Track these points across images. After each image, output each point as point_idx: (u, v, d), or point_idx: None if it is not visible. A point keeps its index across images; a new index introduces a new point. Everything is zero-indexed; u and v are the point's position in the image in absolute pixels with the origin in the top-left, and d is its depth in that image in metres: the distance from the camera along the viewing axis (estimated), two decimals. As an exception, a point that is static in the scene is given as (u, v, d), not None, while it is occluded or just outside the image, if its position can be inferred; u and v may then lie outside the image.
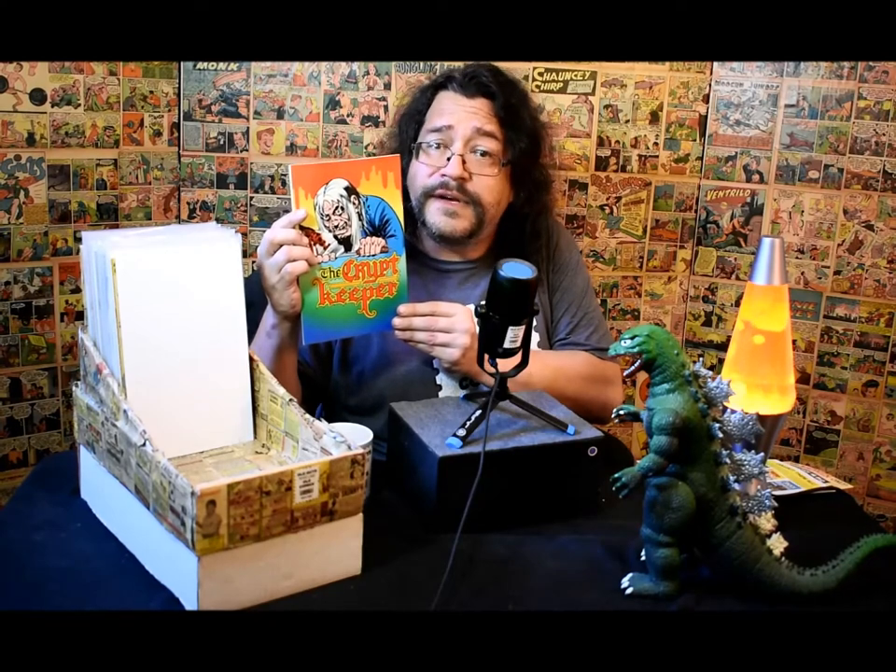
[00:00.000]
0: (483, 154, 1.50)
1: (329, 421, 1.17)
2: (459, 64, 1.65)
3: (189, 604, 0.99)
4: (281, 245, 1.29)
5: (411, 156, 1.54)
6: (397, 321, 1.38)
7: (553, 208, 1.74)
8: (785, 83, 1.95)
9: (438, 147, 1.50)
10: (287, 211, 1.93)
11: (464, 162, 1.47)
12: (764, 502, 1.07)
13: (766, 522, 1.10)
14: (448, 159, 1.48)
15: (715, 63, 1.99)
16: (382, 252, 1.37)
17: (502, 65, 1.59)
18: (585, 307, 1.61)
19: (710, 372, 1.07)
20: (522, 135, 1.54)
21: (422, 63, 1.89)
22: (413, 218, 1.55)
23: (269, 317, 1.38)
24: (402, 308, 1.38)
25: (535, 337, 1.53)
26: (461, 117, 1.50)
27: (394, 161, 1.36)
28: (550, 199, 1.66)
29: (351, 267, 1.35)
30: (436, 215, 1.49)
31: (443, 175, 1.48)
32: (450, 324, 1.38)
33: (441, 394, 1.49)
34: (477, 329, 1.38)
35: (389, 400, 1.40)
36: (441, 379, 1.49)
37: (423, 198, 1.50)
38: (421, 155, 1.51)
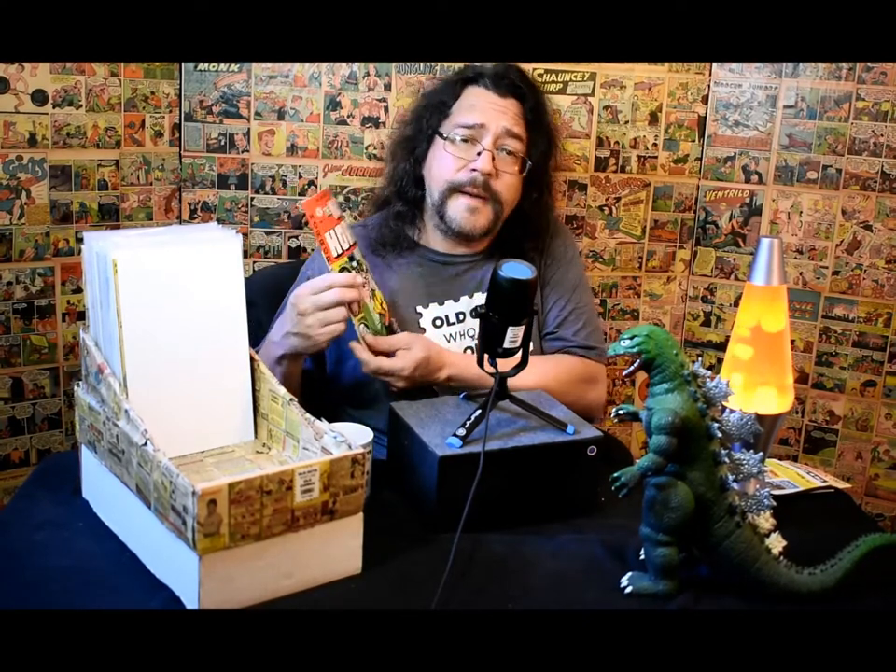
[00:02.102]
0: (509, 153, 1.52)
1: (330, 418, 1.18)
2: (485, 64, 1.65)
3: (191, 603, 0.99)
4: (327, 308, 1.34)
5: (429, 144, 1.55)
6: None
7: (554, 208, 1.75)
8: (784, 84, 1.95)
9: (465, 141, 1.51)
10: (287, 212, 1.95)
11: (493, 159, 1.49)
12: (763, 501, 1.07)
13: (765, 521, 1.10)
14: (479, 154, 1.49)
15: (714, 65, 1.99)
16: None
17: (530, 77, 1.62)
18: (575, 301, 1.61)
19: (709, 372, 1.08)
20: (543, 139, 1.57)
21: (422, 65, 1.90)
22: (420, 206, 1.56)
23: (279, 349, 1.40)
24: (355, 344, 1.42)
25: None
26: (493, 115, 1.51)
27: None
28: (552, 199, 1.68)
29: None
30: (458, 210, 1.50)
31: (473, 171, 1.49)
32: (391, 366, 1.40)
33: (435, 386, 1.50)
34: (428, 355, 1.42)
35: (385, 393, 1.40)
36: None
37: (448, 192, 1.51)
38: (448, 146, 1.52)
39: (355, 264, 1.40)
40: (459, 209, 1.50)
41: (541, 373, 1.49)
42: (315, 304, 1.34)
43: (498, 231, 1.59)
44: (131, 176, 1.89)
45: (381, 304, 1.44)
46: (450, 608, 1.02)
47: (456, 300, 1.56)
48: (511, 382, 1.29)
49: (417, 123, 1.58)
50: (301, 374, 1.47)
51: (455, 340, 1.54)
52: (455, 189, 1.50)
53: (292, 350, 1.39)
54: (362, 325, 1.40)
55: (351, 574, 1.08)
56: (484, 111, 1.52)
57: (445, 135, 1.52)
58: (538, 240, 1.60)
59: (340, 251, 1.38)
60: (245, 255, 1.92)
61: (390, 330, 1.45)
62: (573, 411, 1.36)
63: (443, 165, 1.52)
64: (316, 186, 1.94)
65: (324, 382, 1.57)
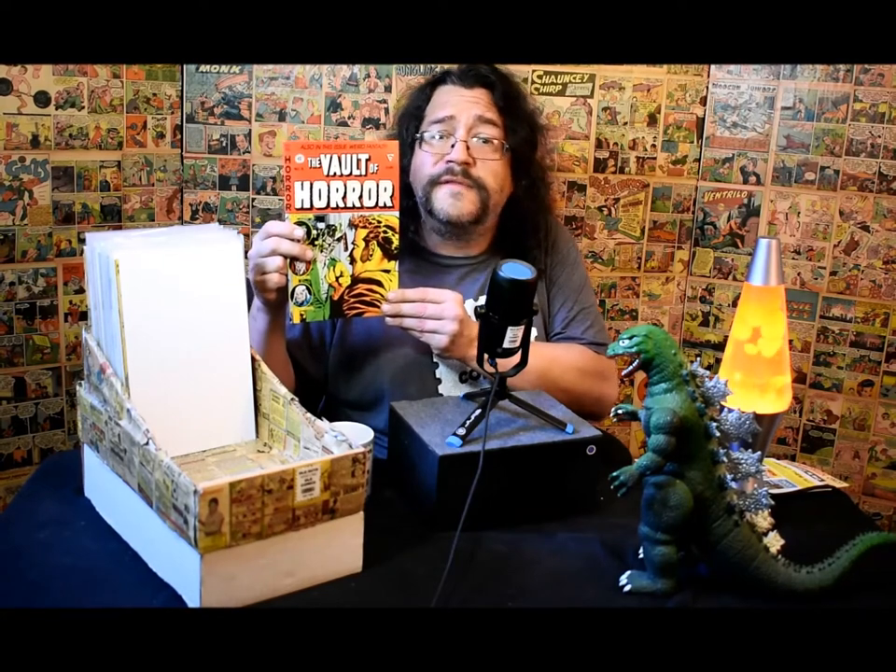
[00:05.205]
0: (486, 141, 1.52)
1: (331, 419, 1.19)
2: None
3: (192, 601, 0.99)
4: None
5: (412, 153, 1.56)
6: (386, 307, 1.38)
7: (553, 207, 1.76)
8: (781, 86, 1.96)
9: (441, 138, 1.52)
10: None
11: (468, 148, 1.49)
12: (761, 500, 1.08)
13: (763, 520, 1.11)
14: (452, 146, 1.50)
15: (712, 66, 2.00)
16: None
17: (501, 68, 1.61)
18: (582, 302, 1.62)
19: (708, 372, 1.08)
20: (521, 123, 1.56)
21: (422, 66, 1.91)
22: (415, 214, 1.56)
23: (255, 300, 1.39)
24: (392, 294, 1.39)
25: (532, 331, 1.54)
26: (462, 106, 1.52)
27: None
28: (549, 196, 1.68)
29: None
30: (443, 199, 1.50)
31: (448, 162, 1.49)
32: (439, 311, 1.39)
33: (440, 388, 1.50)
34: (467, 314, 1.39)
35: (389, 395, 1.39)
36: (440, 373, 1.51)
37: (429, 186, 1.52)
38: (424, 146, 1.53)
39: (322, 226, 1.33)
40: (443, 198, 1.50)
41: (554, 358, 1.50)
42: (256, 250, 1.33)
43: (496, 230, 1.60)
44: (133, 177, 1.90)
45: (337, 278, 1.36)
46: (450, 606, 1.02)
47: None
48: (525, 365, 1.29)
49: (398, 135, 1.59)
50: (281, 331, 1.44)
51: None
52: (435, 182, 1.51)
53: (255, 297, 1.38)
54: (302, 286, 1.34)
55: (352, 572, 1.09)
56: (454, 104, 1.53)
57: (421, 135, 1.54)
58: (538, 237, 1.61)
59: (307, 206, 1.32)
60: (247, 255, 1.93)
61: (337, 308, 1.37)
62: (584, 403, 1.35)
63: (422, 163, 1.53)
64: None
65: (324, 383, 1.58)
